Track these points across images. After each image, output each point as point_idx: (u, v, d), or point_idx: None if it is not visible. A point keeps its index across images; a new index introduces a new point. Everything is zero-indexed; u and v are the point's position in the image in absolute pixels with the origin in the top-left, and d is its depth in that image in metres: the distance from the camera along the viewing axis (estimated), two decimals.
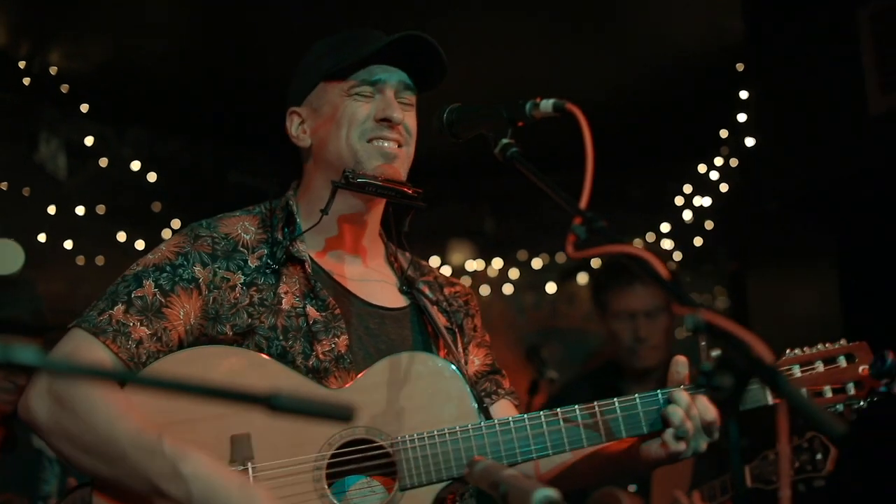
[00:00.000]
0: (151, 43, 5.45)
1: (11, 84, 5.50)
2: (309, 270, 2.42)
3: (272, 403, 1.44)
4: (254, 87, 5.25)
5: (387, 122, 2.43)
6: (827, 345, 2.44)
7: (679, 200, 6.29)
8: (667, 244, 6.43)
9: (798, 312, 5.24)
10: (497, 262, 7.06)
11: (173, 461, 2.10)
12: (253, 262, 2.40)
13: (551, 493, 1.73)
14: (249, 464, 2.19)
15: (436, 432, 2.25)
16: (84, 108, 5.80)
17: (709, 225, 6.20)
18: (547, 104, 2.21)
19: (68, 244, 5.71)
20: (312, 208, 2.47)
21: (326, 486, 2.20)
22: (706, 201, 6.12)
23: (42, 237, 5.61)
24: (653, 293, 4.48)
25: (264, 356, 2.30)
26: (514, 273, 7.02)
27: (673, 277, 1.89)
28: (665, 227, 6.41)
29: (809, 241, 5.07)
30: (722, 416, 1.90)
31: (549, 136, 6.09)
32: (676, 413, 2.21)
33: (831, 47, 4.46)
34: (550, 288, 6.92)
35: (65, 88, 5.65)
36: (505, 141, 2.23)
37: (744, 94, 5.31)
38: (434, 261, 7.05)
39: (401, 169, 2.47)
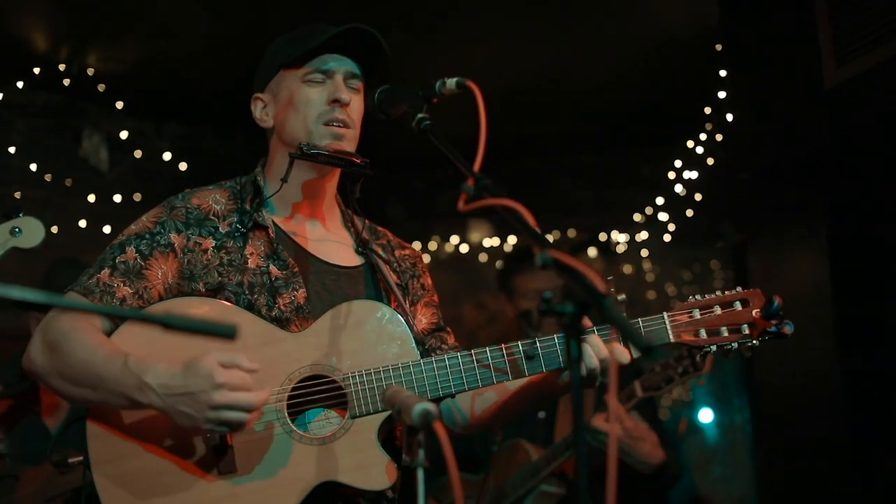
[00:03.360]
0: (180, 44, 5.82)
1: (54, 85, 5.96)
2: (272, 235, 2.75)
3: (166, 322, 1.80)
4: None
5: (337, 102, 2.74)
6: (726, 292, 2.71)
7: (671, 175, 6.55)
8: (662, 216, 6.70)
9: (792, 280, 5.40)
10: (512, 239, 7.39)
11: (138, 374, 2.40)
12: (223, 229, 2.73)
13: (428, 406, 2.06)
14: None
15: (381, 368, 2.56)
16: (119, 104, 6.23)
17: (698, 197, 6.44)
18: (451, 82, 2.52)
19: (107, 229, 6.13)
20: (276, 181, 2.78)
21: (287, 416, 2.53)
22: (694, 175, 6.36)
23: (83, 223, 6.10)
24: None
25: (232, 305, 2.63)
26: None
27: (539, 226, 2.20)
28: (660, 201, 6.69)
29: (796, 210, 5.21)
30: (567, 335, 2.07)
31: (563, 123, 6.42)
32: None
33: (793, 25, 4.61)
34: None
35: (101, 88, 6.08)
36: (420, 115, 2.54)
37: (723, 73, 5.53)
38: (454, 239, 7.43)
39: (347, 147, 2.79)
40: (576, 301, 1.98)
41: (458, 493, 2.02)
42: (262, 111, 2.88)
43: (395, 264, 2.96)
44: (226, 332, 1.81)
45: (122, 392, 2.43)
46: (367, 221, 2.96)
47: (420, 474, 2.05)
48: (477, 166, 2.40)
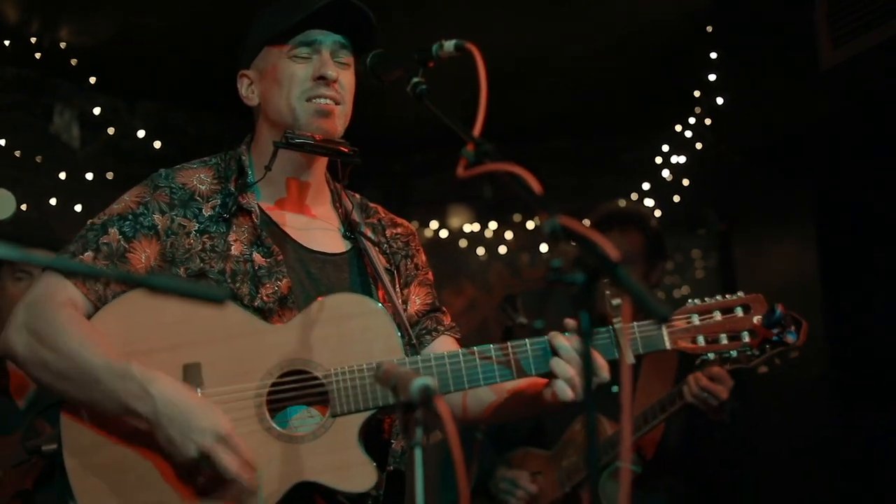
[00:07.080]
0: (155, 18, 5.66)
1: (24, 59, 5.79)
2: (256, 221, 2.64)
3: (153, 284, 1.70)
4: None
5: (322, 80, 2.63)
6: (726, 296, 2.61)
7: (658, 159, 6.46)
8: (649, 202, 6.59)
9: (778, 268, 5.38)
10: (493, 225, 7.32)
11: (142, 382, 2.35)
12: (207, 211, 2.63)
13: (427, 381, 1.96)
14: (199, 390, 2.43)
15: (364, 365, 2.47)
16: (92, 80, 6.07)
17: (686, 182, 6.36)
18: (450, 45, 2.44)
19: (78, 207, 5.99)
20: (262, 162, 2.69)
21: (266, 411, 2.45)
22: (682, 159, 6.27)
23: (53, 201, 5.94)
24: (625, 241, 4.50)
25: None
26: (508, 234, 7.28)
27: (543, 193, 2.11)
28: (646, 186, 6.59)
29: (784, 196, 5.19)
30: (576, 307, 1.95)
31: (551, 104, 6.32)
32: (559, 364, 2.45)
33: (787, 5, 4.58)
34: (544, 248, 7.18)
35: (74, 62, 5.92)
36: (415, 79, 2.45)
37: (713, 55, 5.46)
38: (434, 224, 7.35)
39: (337, 124, 2.68)
40: (586, 270, 1.87)
41: (460, 469, 1.90)
42: (247, 88, 2.77)
43: (386, 245, 2.87)
44: (216, 297, 1.74)
45: (117, 397, 2.38)
46: (357, 197, 2.88)
47: (418, 454, 1.95)
48: (477, 131, 2.32)
